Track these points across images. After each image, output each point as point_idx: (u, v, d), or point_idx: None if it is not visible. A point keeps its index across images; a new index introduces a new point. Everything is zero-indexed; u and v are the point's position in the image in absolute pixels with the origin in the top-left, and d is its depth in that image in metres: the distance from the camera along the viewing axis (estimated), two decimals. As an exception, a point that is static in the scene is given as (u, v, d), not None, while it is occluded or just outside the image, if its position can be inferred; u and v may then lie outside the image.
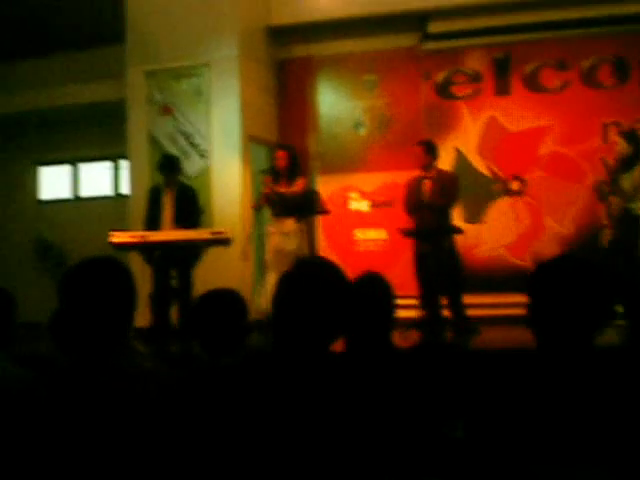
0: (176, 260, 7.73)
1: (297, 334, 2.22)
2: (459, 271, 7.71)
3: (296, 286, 2.26)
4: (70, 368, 2.28)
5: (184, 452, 2.18)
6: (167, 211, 7.94)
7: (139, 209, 9.37)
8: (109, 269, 2.37)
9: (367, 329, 3.21)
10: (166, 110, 9.74)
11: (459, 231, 7.71)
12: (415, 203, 7.66)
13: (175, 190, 8.00)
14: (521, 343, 5.32)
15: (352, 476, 2.08)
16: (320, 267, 2.32)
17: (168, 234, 7.62)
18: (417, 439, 2.15)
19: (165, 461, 2.21)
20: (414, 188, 7.69)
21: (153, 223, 7.85)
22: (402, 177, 8.15)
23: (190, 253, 7.69)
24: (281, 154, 8.26)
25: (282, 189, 8.15)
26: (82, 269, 2.37)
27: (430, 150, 7.75)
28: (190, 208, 7.99)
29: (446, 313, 7.61)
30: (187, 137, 9.64)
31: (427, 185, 7.65)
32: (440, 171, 7.80)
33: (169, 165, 8.06)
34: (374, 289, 3.27)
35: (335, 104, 10.22)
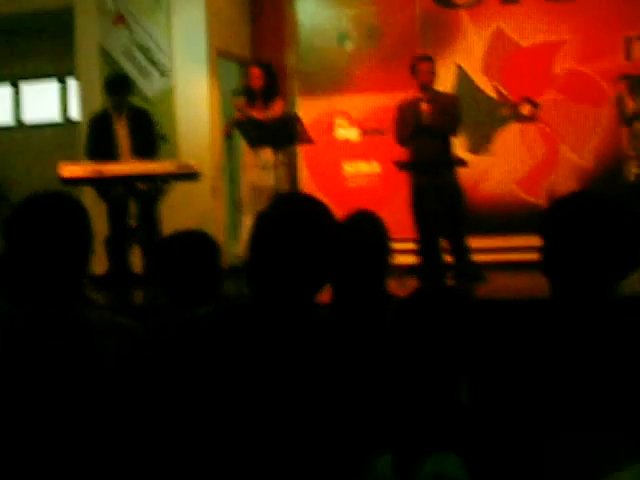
0: (137, 196, 7.75)
1: (276, 282, 2.21)
2: (463, 210, 7.76)
3: (275, 226, 2.24)
4: (17, 321, 2.28)
5: (151, 414, 2.21)
6: (122, 141, 7.94)
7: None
8: (61, 206, 2.36)
9: (358, 276, 3.22)
10: (119, 19, 9.66)
11: (463, 163, 7.74)
12: (411, 129, 7.65)
13: (127, 116, 7.97)
14: (533, 291, 5.40)
15: (341, 448, 2.11)
16: (303, 204, 2.30)
17: (128, 166, 7.60)
18: (416, 404, 2.18)
19: (129, 424, 2.24)
20: (409, 112, 7.68)
21: (104, 156, 7.80)
22: (396, 99, 8.11)
23: (153, 188, 7.71)
24: (256, 72, 8.23)
25: (257, 114, 8.12)
26: (29, 207, 2.36)
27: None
28: (147, 136, 7.99)
29: (448, 258, 7.67)
30: (145, 52, 9.58)
31: (425, 108, 7.64)
32: (438, 92, 7.81)
33: (118, 85, 8.01)
34: (366, 230, 3.28)
35: (317, 13, 10.13)
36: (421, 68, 7.70)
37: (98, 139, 7.93)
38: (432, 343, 2.19)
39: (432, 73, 7.73)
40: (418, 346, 2.20)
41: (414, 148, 7.70)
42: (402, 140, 7.77)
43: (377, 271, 3.28)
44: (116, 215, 7.77)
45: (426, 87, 7.67)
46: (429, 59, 7.83)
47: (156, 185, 7.68)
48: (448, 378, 2.18)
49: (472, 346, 2.22)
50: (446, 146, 7.74)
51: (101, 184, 7.65)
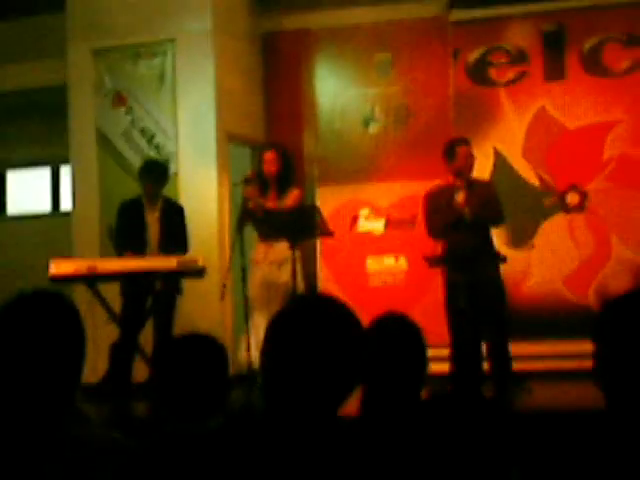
0: (154, 295, 7.90)
1: (294, 394, 2.21)
2: (505, 310, 7.73)
3: (292, 330, 2.24)
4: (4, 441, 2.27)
5: None
6: (152, 232, 8.13)
7: (86, 229, 9.39)
8: (51, 308, 2.37)
9: (391, 389, 3.21)
10: (119, 100, 9.80)
11: (502, 259, 7.74)
12: (447, 220, 7.66)
13: (159, 207, 8.18)
14: (584, 403, 5.34)
15: None
16: (323, 306, 2.30)
17: (123, 263, 7.73)
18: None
19: None
20: (442, 201, 7.70)
21: (134, 248, 7.97)
22: (426, 188, 8.14)
23: (171, 286, 7.88)
24: (270, 156, 8.29)
25: (271, 203, 8.17)
26: (13, 309, 2.36)
27: None
28: (179, 232, 8.17)
29: (486, 366, 7.60)
30: (147, 135, 9.70)
31: (460, 197, 7.66)
32: (473, 179, 7.84)
33: (156, 173, 8.21)
34: (398, 336, 3.27)
35: (338, 93, 10.26)
36: (459, 152, 7.72)
37: (127, 226, 8.13)
38: (473, 465, 2.16)
39: (471, 157, 7.79)
40: (458, 467, 2.17)
41: (449, 241, 7.71)
42: (435, 232, 7.79)
43: (412, 383, 3.26)
44: (131, 317, 7.89)
45: (463, 174, 7.70)
46: (467, 142, 7.88)
47: (174, 284, 7.86)
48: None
49: (515, 464, 2.19)
50: (486, 239, 7.75)
51: (125, 282, 7.82)
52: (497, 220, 7.79)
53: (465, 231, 7.59)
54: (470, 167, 7.76)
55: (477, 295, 7.47)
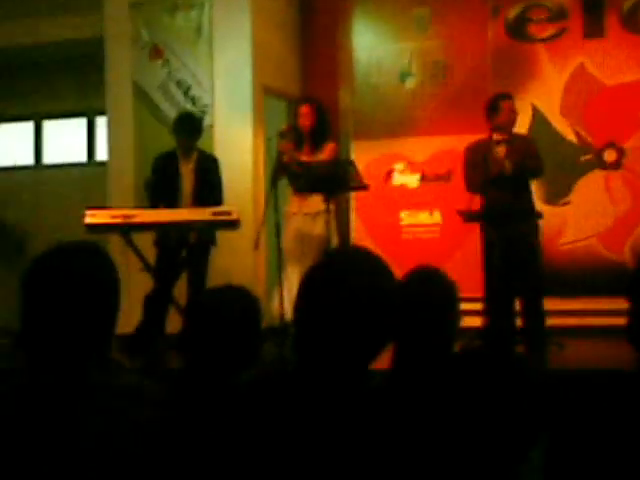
0: (188, 247, 7.98)
1: (327, 349, 2.20)
2: (540, 267, 7.74)
3: (326, 284, 2.23)
4: (35, 387, 2.27)
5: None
6: (186, 185, 8.16)
7: (121, 180, 9.43)
8: (86, 259, 2.37)
9: (423, 342, 3.20)
10: (156, 53, 9.80)
11: (538, 215, 7.74)
12: (486, 175, 7.64)
13: (194, 159, 8.21)
14: (617, 362, 5.33)
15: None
16: (357, 259, 2.30)
17: (158, 214, 7.79)
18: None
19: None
20: (482, 155, 7.70)
21: (168, 200, 8.04)
22: (463, 143, 8.12)
23: (205, 238, 7.94)
24: (306, 110, 8.32)
25: (306, 157, 8.19)
26: (50, 259, 2.35)
27: None
28: (213, 184, 8.21)
29: (519, 322, 7.62)
30: (183, 88, 9.72)
31: (502, 152, 7.68)
32: (513, 135, 7.84)
33: (189, 126, 8.24)
34: (431, 289, 3.25)
35: (375, 47, 10.21)
36: (504, 106, 7.75)
37: (161, 179, 8.17)
38: (502, 422, 2.16)
39: (514, 112, 7.83)
40: (487, 423, 2.17)
41: (487, 197, 7.74)
42: (474, 187, 7.78)
43: (445, 337, 3.25)
44: (165, 268, 7.96)
45: (506, 128, 7.73)
46: (511, 97, 7.91)
47: (208, 235, 7.92)
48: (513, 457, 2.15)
49: (545, 424, 2.18)
50: (524, 196, 7.75)
51: (160, 232, 7.90)
52: (537, 172, 7.80)
53: (504, 187, 7.60)
54: (513, 122, 7.80)
55: (512, 251, 7.47)
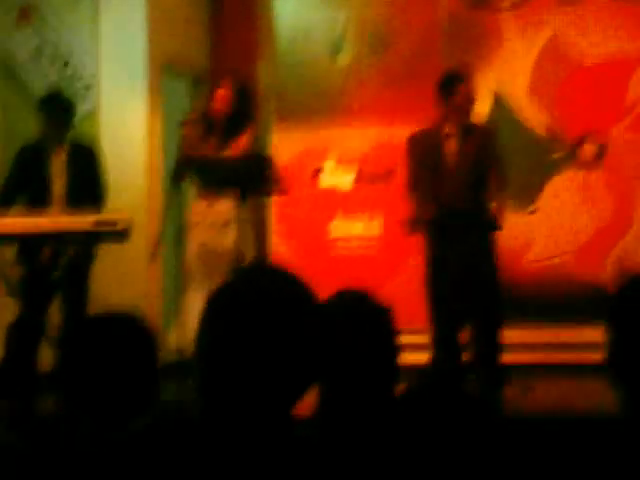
0: (63, 265, 7.85)
1: (236, 389, 2.23)
2: (499, 289, 7.68)
3: (234, 310, 2.25)
4: None
5: None
6: (56, 183, 8.09)
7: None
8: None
9: (351, 382, 3.20)
10: (25, 16, 9.76)
11: (497, 227, 7.69)
12: (435, 173, 7.65)
13: (66, 150, 8.15)
14: (596, 405, 5.41)
15: None
16: (272, 280, 2.33)
17: (23, 222, 7.67)
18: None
19: None
20: (430, 149, 7.71)
21: (33, 203, 7.94)
22: (406, 135, 8.07)
23: (81, 253, 7.84)
24: (224, 93, 8.27)
25: (212, 150, 8.19)
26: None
27: None
28: (90, 180, 8.14)
29: (467, 355, 7.62)
30: (59, 61, 9.69)
31: (452, 147, 7.70)
32: (470, 125, 7.83)
33: (58, 108, 8.15)
34: (358, 318, 3.25)
35: (301, 14, 10.25)
36: (460, 89, 7.68)
37: (20, 176, 8.09)
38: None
39: (473, 97, 7.79)
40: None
41: (434, 201, 7.69)
42: (416, 188, 7.76)
43: (381, 377, 3.25)
44: (33, 291, 7.85)
45: (460, 116, 7.69)
46: (470, 77, 7.87)
47: (85, 249, 7.81)
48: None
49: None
50: (481, 200, 7.72)
51: (25, 245, 7.78)
52: (502, 179, 7.80)
53: (454, 188, 7.61)
54: (469, 110, 7.77)
55: (465, 269, 7.49)
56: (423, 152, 7.76)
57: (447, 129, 7.72)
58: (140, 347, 3.24)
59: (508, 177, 7.88)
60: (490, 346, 7.57)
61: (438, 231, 7.66)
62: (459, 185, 7.62)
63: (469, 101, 7.76)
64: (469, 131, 7.74)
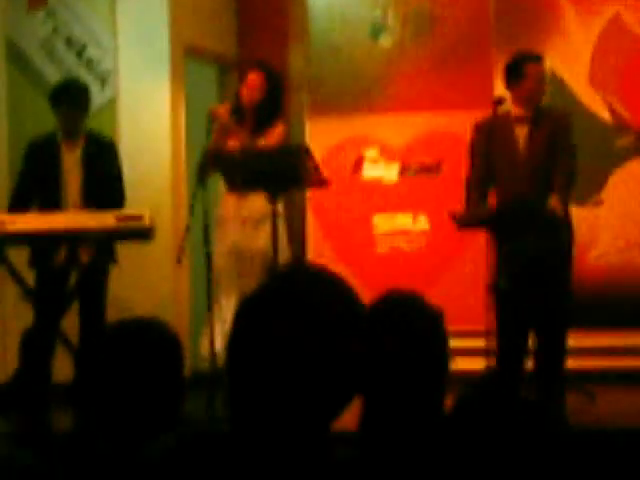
0: (78, 268, 7.85)
1: (271, 404, 2.21)
2: (570, 291, 7.76)
3: (269, 317, 2.23)
4: None
5: None
6: (70, 180, 8.09)
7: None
8: None
9: (399, 395, 3.17)
10: (37, 1, 9.74)
11: (557, 222, 7.69)
12: (504, 160, 7.74)
13: (81, 144, 8.13)
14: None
15: None
16: (312, 282, 2.32)
17: (42, 220, 7.65)
18: None
19: None
20: (500, 135, 7.79)
21: (46, 202, 7.96)
22: (456, 121, 8.09)
23: (97, 255, 7.79)
24: (255, 79, 8.32)
25: (245, 141, 8.19)
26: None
27: None
28: (108, 177, 8.13)
29: (530, 364, 7.67)
30: (76, 48, 9.70)
31: (523, 134, 7.74)
32: (543, 109, 7.89)
33: (73, 97, 8.13)
34: (408, 323, 3.22)
35: (337, -7, 10.27)
36: (530, 72, 7.74)
37: (35, 175, 8.09)
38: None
39: (544, 81, 7.87)
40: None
41: (500, 194, 7.84)
42: (476, 183, 7.83)
43: (430, 387, 3.22)
44: (48, 296, 7.83)
45: (531, 102, 7.75)
46: (540, 59, 7.92)
47: (102, 251, 7.78)
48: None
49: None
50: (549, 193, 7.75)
51: (39, 246, 7.79)
52: (570, 185, 7.85)
53: (524, 176, 7.69)
54: (541, 94, 7.83)
55: (535, 268, 7.53)
56: (492, 139, 7.83)
57: (517, 113, 7.80)
58: (165, 358, 3.28)
59: (577, 168, 7.95)
60: (555, 352, 7.67)
61: (504, 226, 7.73)
62: (529, 173, 7.73)
63: (541, 83, 7.83)
64: (541, 115, 7.83)
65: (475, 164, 7.85)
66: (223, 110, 8.27)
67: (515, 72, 7.75)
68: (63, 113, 8.07)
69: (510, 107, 7.79)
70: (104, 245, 7.76)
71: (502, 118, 7.78)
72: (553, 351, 7.61)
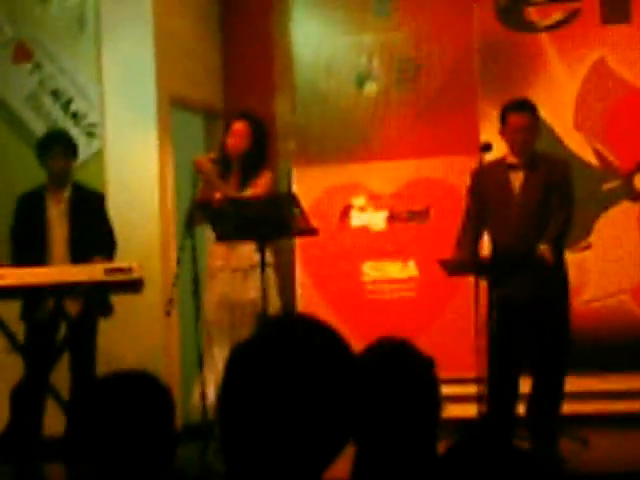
0: (67, 320, 7.84)
1: (264, 454, 2.21)
2: (568, 334, 7.78)
3: (261, 367, 2.24)
4: None
5: None
6: (56, 234, 8.12)
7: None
8: None
9: (390, 442, 3.20)
10: (23, 53, 9.81)
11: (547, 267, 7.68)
12: (499, 207, 7.78)
13: (67, 195, 8.17)
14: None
15: None
16: (303, 331, 2.31)
17: (31, 273, 7.63)
18: None
19: None
20: (496, 182, 7.83)
21: (32, 255, 7.95)
22: (444, 168, 8.10)
23: (89, 307, 7.81)
24: (240, 127, 8.35)
25: (232, 192, 8.23)
26: None
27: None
28: (95, 230, 8.14)
29: (522, 409, 7.67)
30: (61, 100, 9.73)
31: (518, 180, 7.77)
32: (537, 156, 7.90)
33: (58, 148, 8.18)
34: (401, 369, 3.28)
35: (322, 41, 10.29)
36: (510, 121, 7.78)
37: (25, 229, 8.14)
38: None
39: (525, 130, 7.79)
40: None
41: (494, 239, 7.89)
42: (470, 229, 7.87)
43: (422, 434, 3.26)
44: (37, 350, 7.84)
45: (515, 151, 7.77)
46: (524, 107, 7.92)
47: (91, 303, 7.78)
48: None
49: None
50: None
51: (30, 299, 7.81)
52: (566, 232, 7.88)
53: (518, 224, 7.73)
54: (523, 144, 7.79)
55: (531, 313, 7.60)
56: (487, 185, 7.90)
57: (511, 159, 7.85)
58: (156, 410, 3.23)
59: (573, 215, 7.92)
60: (552, 396, 7.67)
61: (493, 274, 7.78)
62: (523, 218, 7.76)
63: (521, 132, 7.79)
64: (537, 161, 7.87)
65: (470, 209, 7.89)
66: (205, 160, 8.26)
67: (501, 120, 7.83)
68: (51, 160, 8.11)
69: (506, 153, 7.84)
70: (93, 298, 7.76)
71: (498, 164, 7.84)
72: (550, 395, 7.62)
